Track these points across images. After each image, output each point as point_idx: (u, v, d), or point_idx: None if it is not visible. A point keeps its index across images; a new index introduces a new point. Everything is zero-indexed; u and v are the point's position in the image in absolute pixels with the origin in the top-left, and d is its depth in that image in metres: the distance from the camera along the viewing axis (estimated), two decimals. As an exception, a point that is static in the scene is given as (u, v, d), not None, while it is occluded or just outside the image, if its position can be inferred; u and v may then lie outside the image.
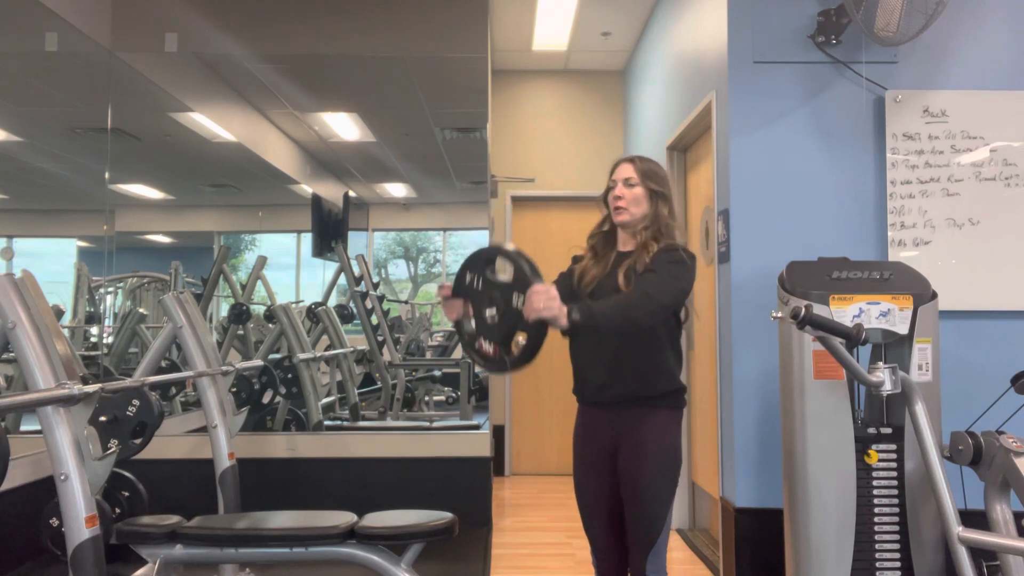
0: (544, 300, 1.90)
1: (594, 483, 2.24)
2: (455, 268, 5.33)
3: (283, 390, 4.56)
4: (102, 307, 4.62)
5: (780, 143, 3.27)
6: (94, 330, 4.57)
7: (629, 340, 2.15)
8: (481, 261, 2.05)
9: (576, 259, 2.38)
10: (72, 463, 2.11)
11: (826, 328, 2.22)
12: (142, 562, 2.76)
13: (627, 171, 2.26)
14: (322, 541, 2.25)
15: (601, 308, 1.99)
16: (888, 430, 2.60)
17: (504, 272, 2.01)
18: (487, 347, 2.00)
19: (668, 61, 4.55)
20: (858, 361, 2.36)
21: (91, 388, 2.21)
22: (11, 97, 3.98)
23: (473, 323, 2.03)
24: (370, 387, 5.06)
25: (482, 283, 2.03)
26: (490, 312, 1.99)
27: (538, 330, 1.93)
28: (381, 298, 5.13)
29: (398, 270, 5.39)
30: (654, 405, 2.17)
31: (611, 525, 2.23)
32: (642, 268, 2.14)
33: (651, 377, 2.16)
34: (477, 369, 1.90)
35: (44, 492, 3.53)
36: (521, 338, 1.96)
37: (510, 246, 2.01)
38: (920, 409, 2.35)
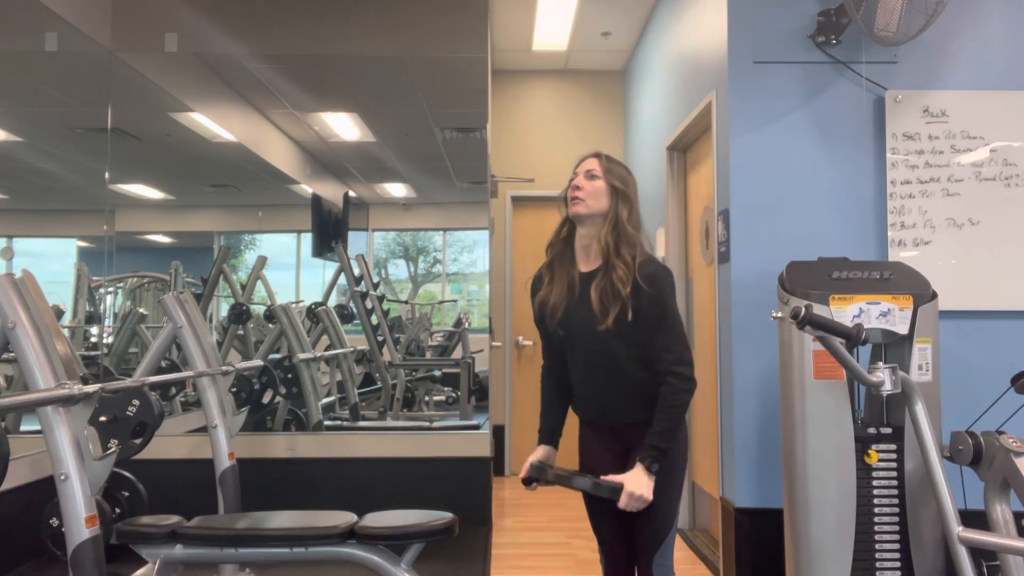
0: (636, 505, 2.01)
1: None
2: (455, 268, 5.33)
3: (283, 390, 4.55)
4: (102, 307, 4.61)
5: (780, 143, 3.28)
6: (94, 330, 4.57)
7: (628, 376, 2.12)
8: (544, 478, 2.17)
9: (534, 287, 2.29)
10: (72, 463, 2.11)
11: (826, 328, 2.22)
12: (142, 562, 2.76)
13: (591, 164, 2.18)
14: (322, 541, 2.25)
15: (661, 436, 2.03)
16: (888, 430, 2.60)
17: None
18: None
19: (668, 61, 4.55)
20: (858, 361, 2.36)
21: (91, 388, 2.21)
22: (11, 97, 3.98)
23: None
24: (370, 387, 5.06)
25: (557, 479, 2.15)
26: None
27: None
28: (381, 298, 5.12)
29: (398, 270, 5.38)
30: None
31: (619, 525, 2.23)
32: (615, 297, 2.05)
33: (652, 401, 2.10)
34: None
35: (44, 492, 3.54)
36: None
37: (550, 474, 2.15)
38: (920, 409, 2.35)
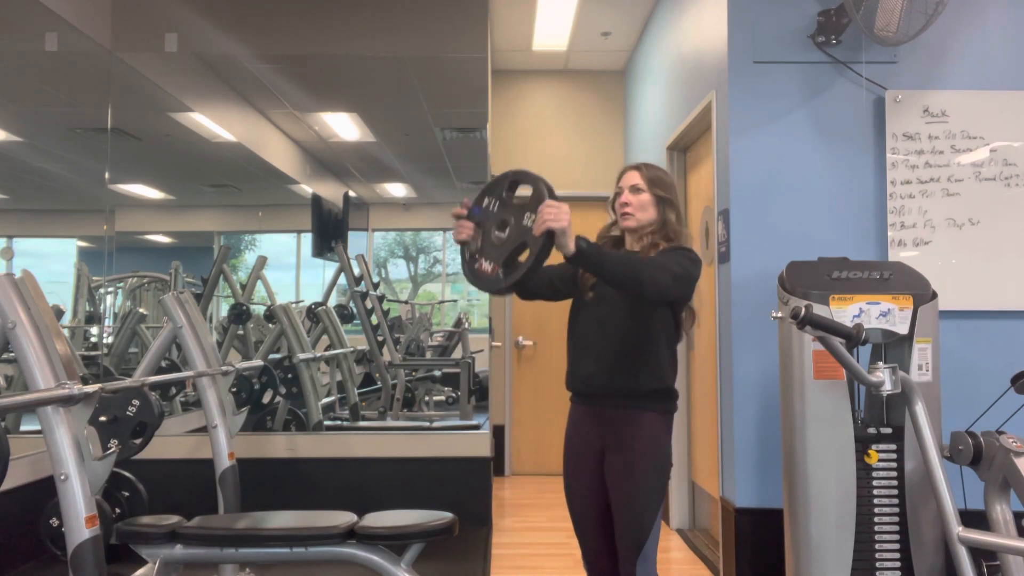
0: (555, 212, 1.84)
1: (583, 486, 2.23)
2: (455, 268, 5.34)
3: (283, 390, 4.56)
4: (102, 307, 4.62)
5: (780, 143, 3.28)
6: (94, 330, 4.57)
7: (636, 342, 2.15)
8: (503, 185, 2.06)
9: None
10: (72, 463, 2.11)
11: (826, 328, 2.22)
12: (142, 562, 2.76)
13: (634, 178, 2.28)
14: (322, 541, 2.25)
15: (609, 252, 1.98)
16: (888, 430, 2.60)
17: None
18: (486, 266, 1.99)
19: (668, 61, 4.55)
20: (858, 361, 2.36)
21: (91, 388, 2.21)
22: (11, 97, 3.98)
23: (479, 244, 2.04)
24: (370, 387, 5.06)
25: (498, 206, 2.04)
26: (498, 234, 1.99)
27: (543, 245, 1.87)
28: (381, 298, 5.13)
29: (398, 270, 5.39)
30: (642, 407, 2.15)
31: (600, 528, 2.23)
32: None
33: (641, 373, 2.15)
34: (473, 288, 1.95)
35: (44, 492, 3.54)
36: (523, 258, 1.93)
37: (533, 172, 2.00)
38: (920, 409, 2.35)
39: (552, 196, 1.91)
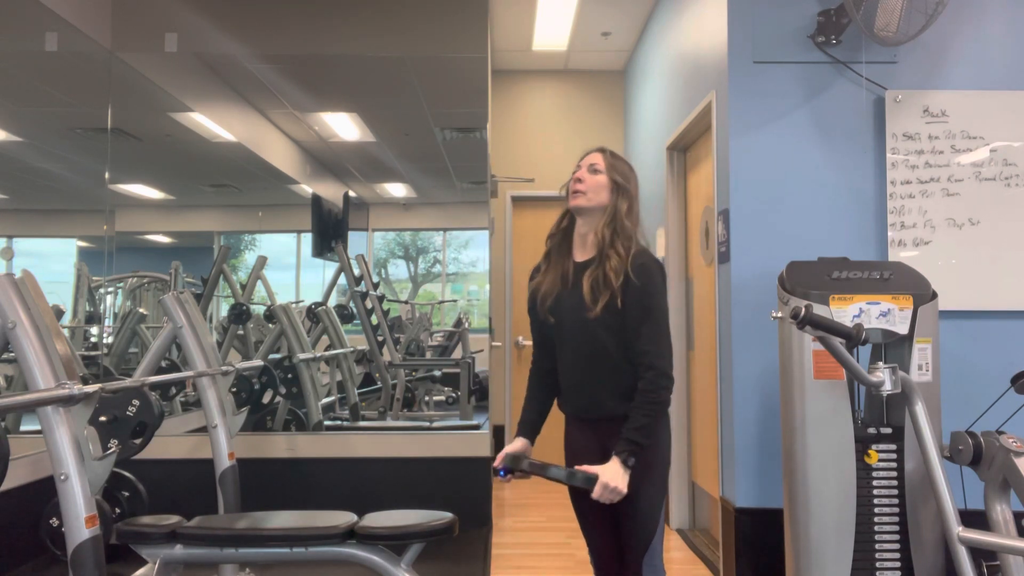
0: (612, 495, 1.97)
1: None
2: (455, 268, 5.33)
3: (283, 390, 4.55)
4: (102, 307, 4.61)
5: (780, 143, 3.28)
6: (94, 330, 4.57)
7: (614, 366, 2.11)
8: (520, 472, 2.13)
9: (532, 276, 2.31)
10: (72, 463, 2.11)
11: (826, 328, 2.22)
12: (142, 562, 2.76)
13: (595, 158, 2.21)
14: (322, 541, 2.25)
15: (638, 431, 2.01)
16: (888, 430, 2.60)
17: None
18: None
19: (668, 61, 4.55)
20: (858, 361, 2.36)
21: (91, 388, 2.21)
22: (11, 97, 3.98)
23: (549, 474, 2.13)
24: (370, 387, 5.06)
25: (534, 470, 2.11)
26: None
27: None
28: (381, 298, 5.12)
29: (398, 270, 5.38)
30: None
31: (606, 526, 2.22)
32: (606, 286, 2.06)
33: (632, 396, 2.09)
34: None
35: (44, 492, 3.54)
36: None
37: (525, 463, 2.09)
38: (920, 409, 2.35)
39: (575, 476, 2.01)
